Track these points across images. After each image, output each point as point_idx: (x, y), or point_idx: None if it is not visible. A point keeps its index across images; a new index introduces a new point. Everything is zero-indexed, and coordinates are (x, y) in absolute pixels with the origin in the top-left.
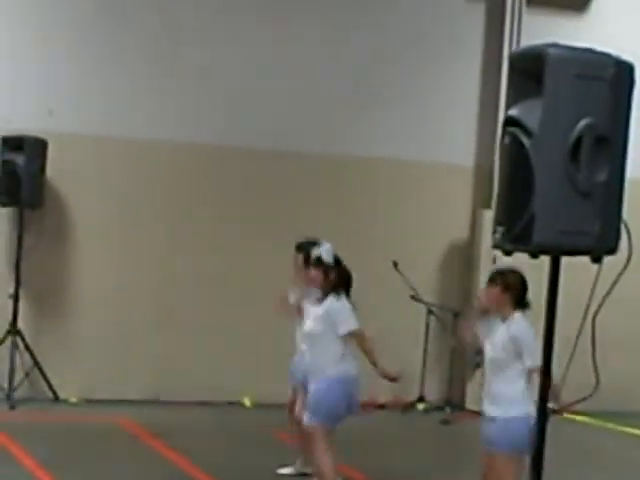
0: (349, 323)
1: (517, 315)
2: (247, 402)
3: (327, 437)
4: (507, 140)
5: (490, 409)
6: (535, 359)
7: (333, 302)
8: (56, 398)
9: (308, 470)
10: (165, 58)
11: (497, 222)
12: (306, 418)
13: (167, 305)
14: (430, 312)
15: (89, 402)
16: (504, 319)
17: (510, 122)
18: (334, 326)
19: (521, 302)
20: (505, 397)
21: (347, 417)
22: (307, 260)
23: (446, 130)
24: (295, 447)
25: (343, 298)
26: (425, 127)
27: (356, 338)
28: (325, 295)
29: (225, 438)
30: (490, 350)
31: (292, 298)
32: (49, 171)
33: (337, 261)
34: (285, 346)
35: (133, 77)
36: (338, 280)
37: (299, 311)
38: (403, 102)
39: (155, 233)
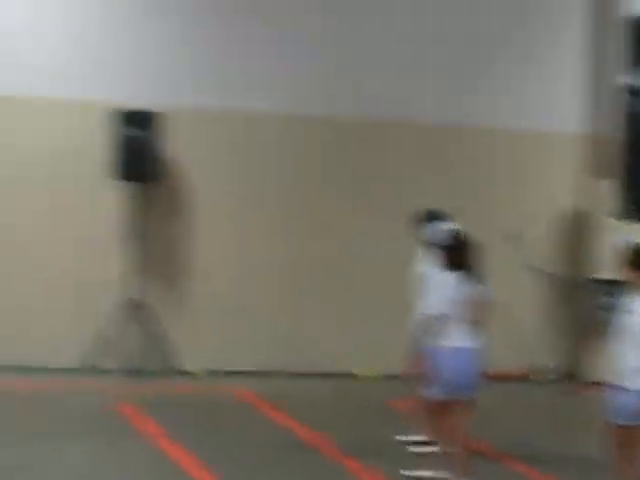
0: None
1: None
2: (361, 373)
3: (445, 408)
4: (631, 109)
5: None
6: None
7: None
8: (181, 370)
9: (420, 438)
10: (279, 26)
11: (623, 193)
12: (433, 390)
13: (287, 281)
14: (550, 282)
15: (212, 373)
16: None
17: (635, 90)
18: None
19: None
20: None
21: (468, 390)
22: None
23: (552, 98)
24: (410, 414)
25: (446, 275)
26: (531, 96)
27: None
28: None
29: (343, 409)
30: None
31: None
32: (168, 146)
33: (458, 240)
34: (399, 318)
35: (249, 52)
36: (452, 260)
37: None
38: (508, 71)
39: (273, 209)
